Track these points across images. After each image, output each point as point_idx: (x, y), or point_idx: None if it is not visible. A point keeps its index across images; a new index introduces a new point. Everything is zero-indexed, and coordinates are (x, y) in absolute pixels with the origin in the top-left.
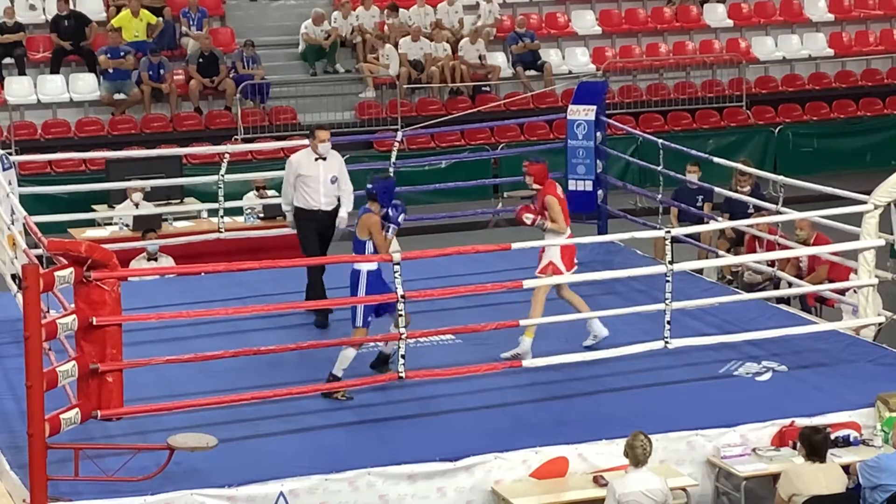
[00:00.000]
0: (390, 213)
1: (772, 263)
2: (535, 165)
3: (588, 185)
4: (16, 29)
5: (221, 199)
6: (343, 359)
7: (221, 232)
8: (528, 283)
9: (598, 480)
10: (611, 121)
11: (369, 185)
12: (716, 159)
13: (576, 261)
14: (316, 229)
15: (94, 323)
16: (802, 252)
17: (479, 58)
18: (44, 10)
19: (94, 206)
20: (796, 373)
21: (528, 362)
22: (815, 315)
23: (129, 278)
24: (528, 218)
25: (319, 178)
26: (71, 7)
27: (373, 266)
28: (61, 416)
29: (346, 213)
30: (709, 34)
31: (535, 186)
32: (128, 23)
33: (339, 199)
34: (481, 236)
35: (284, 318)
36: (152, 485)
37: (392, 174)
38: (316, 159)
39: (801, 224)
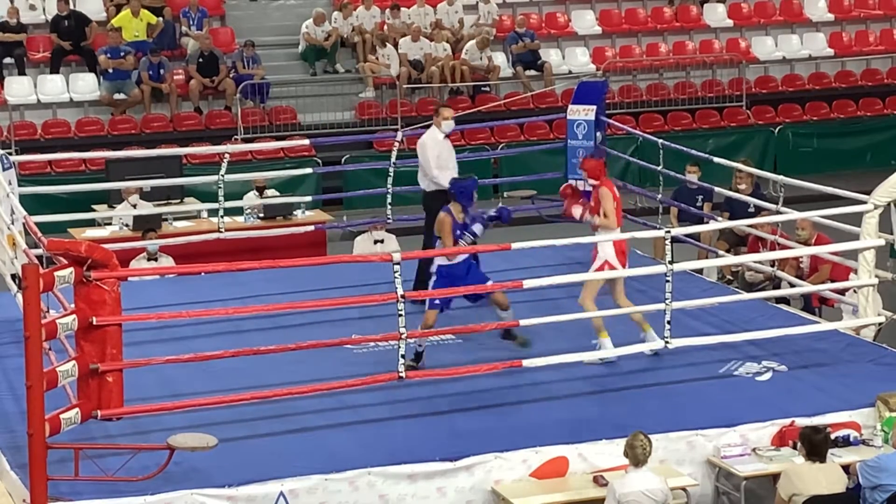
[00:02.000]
0: (468, 222)
1: (772, 263)
2: (590, 161)
3: (588, 185)
4: (18, 29)
5: (221, 199)
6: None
7: (221, 232)
8: (528, 283)
9: (598, 480)
10: (611, 121)
11: (449, 185)
12: (716, 159)
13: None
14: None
15: (94, 323)
16: (803, 252)
17: (487, 59)
18: (44, 10)
19: (94, 206)
20: (796, 373)
21: (527, 362)
22: (816, 315)
23: (129, 278)
24: (576, 210)
25: (452, 156)
26: (71, 7)
27: (443, 260)
28: (61, 416)
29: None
30: (709, 34)
31: (592, 181)
32: (128, 23)
33: None
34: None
35: (284, 318)
36: (152, 485)
37: (474, 176)
38: (443, 138)
39: (802, 224)
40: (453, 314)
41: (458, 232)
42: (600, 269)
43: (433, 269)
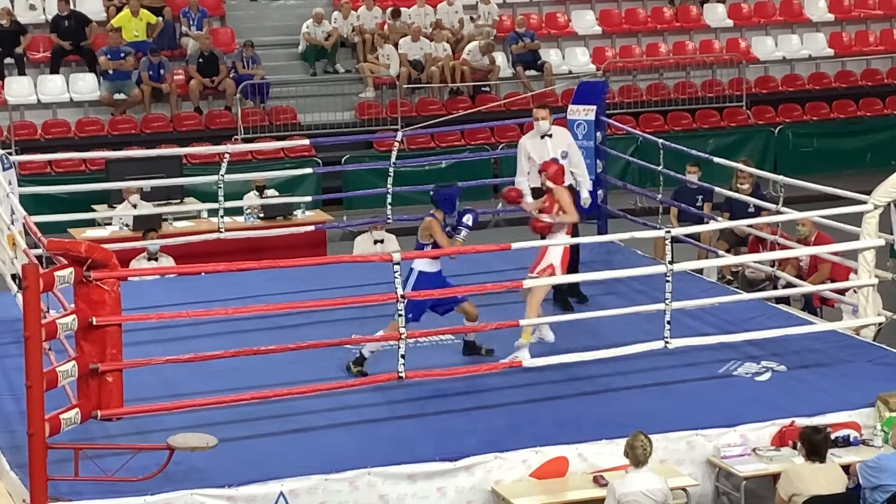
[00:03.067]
0: (462, 218)
1: (772, 263)
2: (552, 165)
3: (588, 185)
4: (17, 30)
5: (221, 199)
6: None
7: (221, 232)
8: (528, 283)
9: (598, 480)
10: (611, 121)
11: (432, 192)
12: (716, 159)
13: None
14: None
15: (94, 323)
16: (803, 252)
17: (490, 61)
18: (44, 10)
19: (94, 206)
20: (796, 373)
21: (528, 362)
22: (817, 315)
23: (129, 278)
24: (544, 218)
25: (548, 156)
26: (71, 7)
27: (427, 268)
28: (61, 416)
29: (586, 193)
30: (709, 34)
31: (550, 184)
32: (128, 23)
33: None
34: (481, 236)
35: (284, 318)
36: (152, 485)
37: (458, 183)
38: (542, 137)
39: (803, 220)
40: (454, 314)
41: (456, 228)
42: (543, 272)
43: (412, 276)
